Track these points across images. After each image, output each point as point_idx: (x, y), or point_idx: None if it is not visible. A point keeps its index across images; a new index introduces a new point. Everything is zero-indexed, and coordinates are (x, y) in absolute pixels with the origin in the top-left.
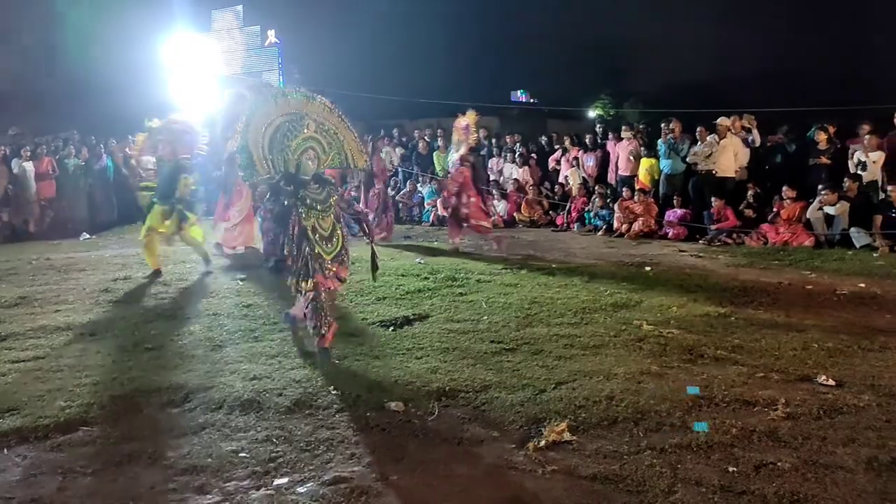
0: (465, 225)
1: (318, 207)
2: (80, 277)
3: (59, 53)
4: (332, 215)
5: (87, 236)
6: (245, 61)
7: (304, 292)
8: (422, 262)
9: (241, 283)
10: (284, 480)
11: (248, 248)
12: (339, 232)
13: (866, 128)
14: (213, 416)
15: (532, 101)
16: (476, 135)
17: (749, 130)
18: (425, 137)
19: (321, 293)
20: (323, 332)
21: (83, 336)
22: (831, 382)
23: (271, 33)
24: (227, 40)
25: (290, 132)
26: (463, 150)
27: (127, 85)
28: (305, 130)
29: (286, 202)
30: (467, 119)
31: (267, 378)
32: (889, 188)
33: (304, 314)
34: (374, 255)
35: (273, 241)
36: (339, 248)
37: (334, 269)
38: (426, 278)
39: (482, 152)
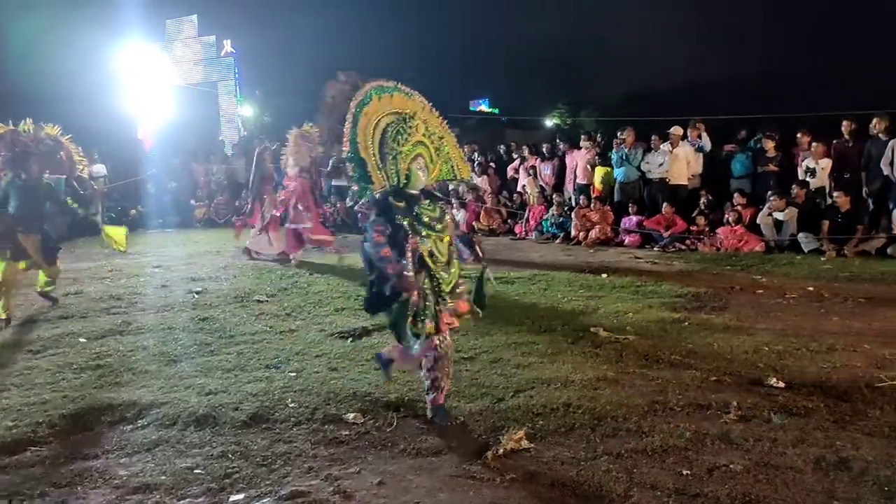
0: (305, 239)
1: (437, 227)
2: (29, 293)
3: (6, 64)
4: (448, 237)
5: None
6: (200, 71)
7: (421, 336)
8: None
9: (196, 296)
10: (241, 496)
11: (281, 254)
12: (455, 258)
13: (806, 137)
14: (166, 433)
15: (492, 110)
16: (321, 147)
17: (700, 136)
18: None
19: (445, 337)
20: (442, 385)
21: (32, 353)
22: (781, 384)
23: (227, 43)
24: (182, 50)
25: (399, 135)
26: (305, 163)
27: (79, 96)
28: (415, 133)
29: (399, 222)
30: (311, 130)
31: (223, 392)
32: (835, 194)
33: (416, 360)
34: (482, 284)
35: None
36: (457, 277)
37: (453, 303)
38: None
39: None
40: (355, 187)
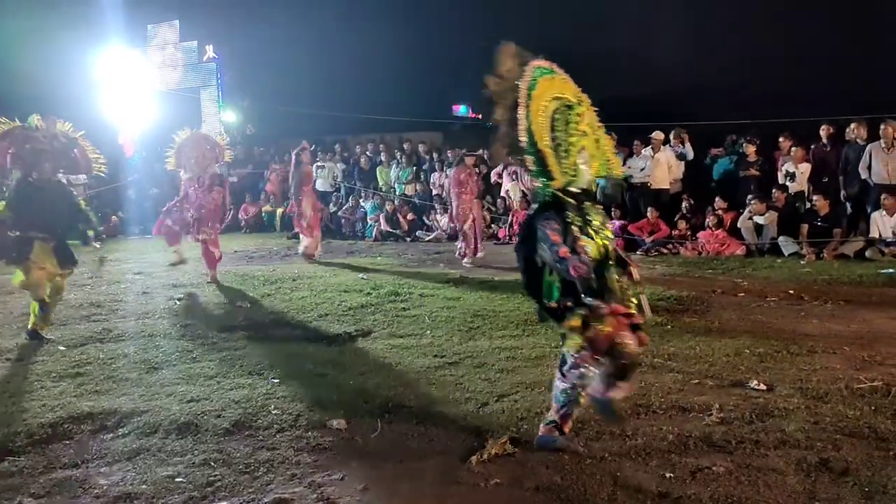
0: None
1: (602, 233)
2: (8, 300)
3: None
4: (608, 244)
5: None
6: (182, 77)
7: (589, 332)
8: (364, 277)
9: (178, 302)
10: None
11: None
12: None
13: (788, 141)
14: (147, 441)
15: (476, 116)
16: (229, 151)
17: (683, 144)
18: (367, 153)
19: (627, 341)
20: (568, 412)
21: (10, 361)
22: (762, 387)
23: (209, 48)
24: (164, 55)
25: (567, 124)
26: (213, 170)
27: (59, 100)
28: (581, 123)
29: (570, 221)
30: (213, 137)
31: (205, 400)
32: (814, 198)
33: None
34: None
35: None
36: (617, 292)
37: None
38: (369, 294)
39: (424, 167)
40: (537, 183)
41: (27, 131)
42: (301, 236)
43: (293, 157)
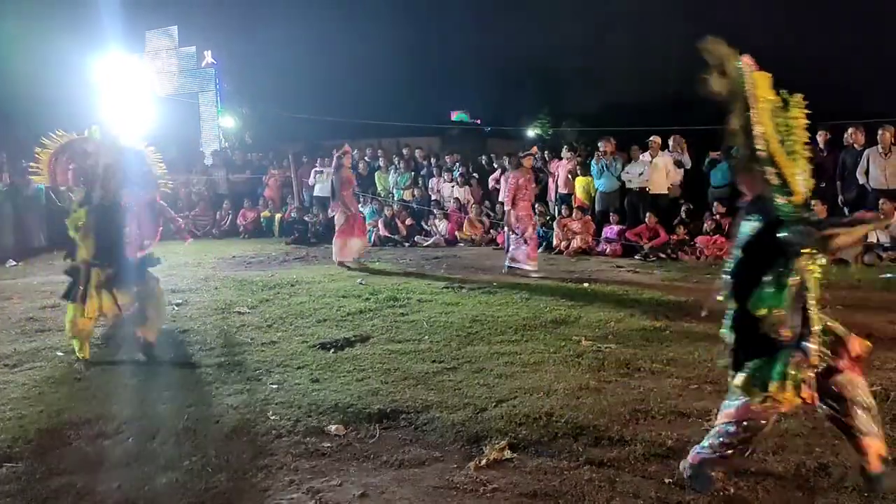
0: None
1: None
2: (6, 306)
3: None
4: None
5: (14, 263)
6: (180, 82)
7: (754, 399)
8: (363, 282)
9: (176, 308)
10: None
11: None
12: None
13: None
14: (146, 447)
15: (475, 121)
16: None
17: (683, 151)
18: (365, 158)
19: (769, 418)
20: (729, 454)
21: (7, 367)
22: None
23: (208, 54)
24: (162, 61)
25: (789, 129)
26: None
27: (58, 106)
28: (800, 128)
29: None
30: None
31: (203, 405)
32: (812, 203)
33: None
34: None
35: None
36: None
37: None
38: (367, 299)
39: (422, 172)
40: (781, 200)
41: (88, 144)
42: (346, 240)
43: (334, 161)
